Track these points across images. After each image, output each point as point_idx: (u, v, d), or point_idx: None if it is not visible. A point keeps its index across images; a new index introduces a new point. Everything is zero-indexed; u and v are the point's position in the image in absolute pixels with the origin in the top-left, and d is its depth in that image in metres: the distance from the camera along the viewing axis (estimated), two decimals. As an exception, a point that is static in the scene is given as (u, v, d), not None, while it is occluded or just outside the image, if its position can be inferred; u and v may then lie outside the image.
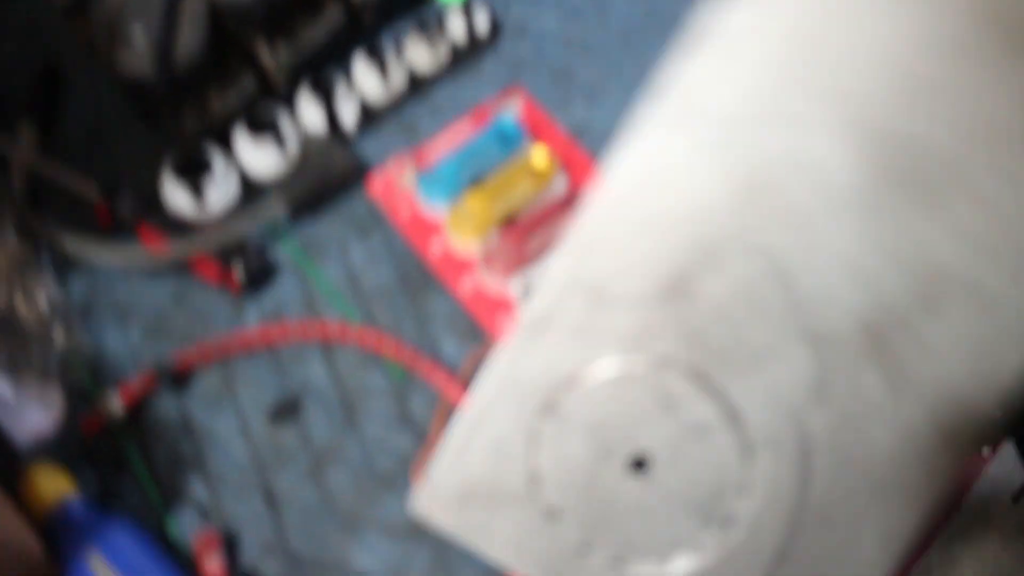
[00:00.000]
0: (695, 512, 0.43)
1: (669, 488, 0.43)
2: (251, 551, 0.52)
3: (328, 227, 0.61)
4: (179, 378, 0.57)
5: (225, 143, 0.62)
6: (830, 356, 0.41)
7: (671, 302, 0.42)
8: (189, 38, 0.60)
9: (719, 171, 0.42)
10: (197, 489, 0.54)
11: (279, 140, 0.61)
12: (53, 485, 0.52)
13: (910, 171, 0.41)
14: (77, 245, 0.59)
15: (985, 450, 0.47)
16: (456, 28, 0.65)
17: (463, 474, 0.44)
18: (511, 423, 0.44)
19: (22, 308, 0.57)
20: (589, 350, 0.43)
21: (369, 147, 0.63)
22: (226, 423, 0.56)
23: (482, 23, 0.66)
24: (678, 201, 0.42)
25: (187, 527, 0.53)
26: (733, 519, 0.43)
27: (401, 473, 0.55)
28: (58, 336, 0.56)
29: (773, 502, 0.42)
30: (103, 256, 0.59)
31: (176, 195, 0.61)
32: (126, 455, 0.55)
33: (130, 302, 0.59)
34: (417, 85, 0.65)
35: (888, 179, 0.41)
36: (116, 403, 0.55)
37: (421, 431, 0.56)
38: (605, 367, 0.43)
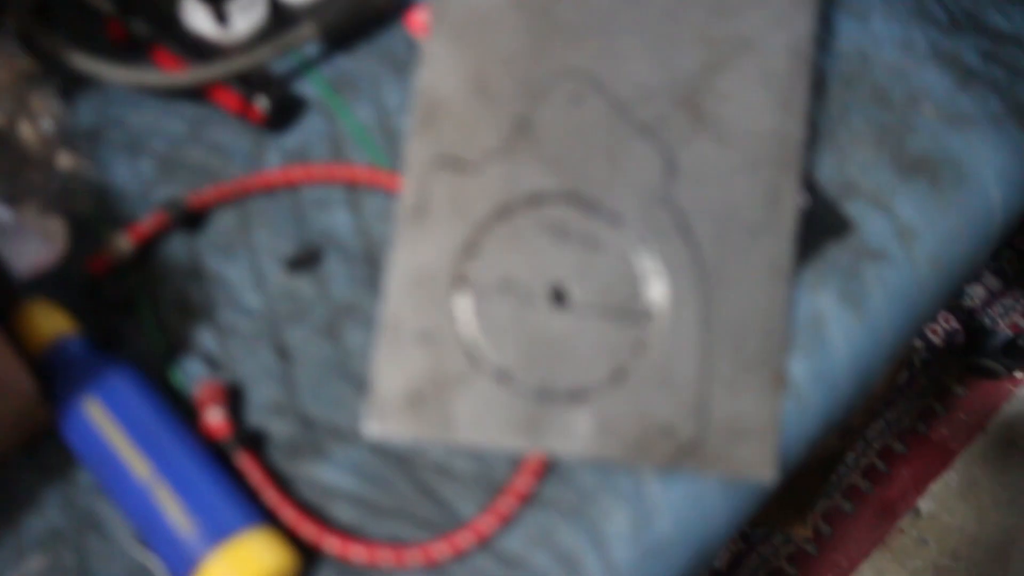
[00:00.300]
0: (620, 314, 0.47)
1: (590, 302, 0.47)
2: (258, 408, 0.49)
3: (361, 62, 0.55)
4: (192, 218, 0.52)
5: (252, -42, 0.56)
6: (665, 137, 0.49)
7: (520, 143, 0.49)
8: None
9: (521, 21, 0.50)
10: (205, 338, 0.50)
11: (311, -43, 0.55)
12: (51, 322, 0.48)
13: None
14: (86, 62, 0.54)
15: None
16: None
17: (404, 380, 0.46)
18: (430, 311, 0.47)
19: (25, 128, 0.53)
20: (471, 214, 0.48)
21: (412, -28, 0.57)
22: (240, 270, 0.51)
23: None
24: (495, 56, 0.49)
25: (191, 378, 0.49)
26: (650, 308, 0.47)
27: (425, 337, 0.50)
28: (62, 161, 0.52)
29: (678, 278, 0.47)
30: (114, 75, 0.53)
31: (197, 14, 0.55)
32: (132, 297, 0.51)
33: (142, 131, 0.55)
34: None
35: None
36: (124, 242, 0.51)
37: (450, 293, 0.51)
38: (496, 227, 0.48)
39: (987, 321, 1.43)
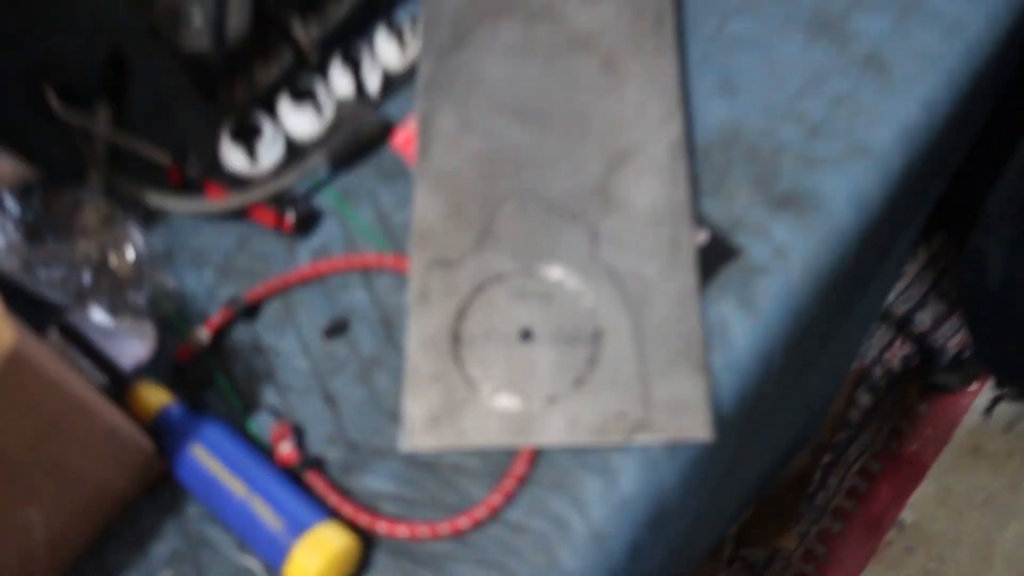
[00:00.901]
0: (574, 340, 0.65)
1: (551, 336, 0.66)
2: (316, 442, 0.65)
3: (361, 177, 0.74)
4: (250, 310, 0.70)
5: (271, 110, 0.75)
6: (587, 218, 0.69)
7: (486, 243, 0.69)
8: (237, 17, 0.73)
9: (477, 169, 0.72)
10: (269, 396, 0.67)
11: (317, 106, 0.74)
12: (155, 397, 0.65)
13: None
14: (156, 199, 0.72)
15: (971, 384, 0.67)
16: None
17: (425, 408, 0.64)
18: (437, 361, 0.66)
19: (114, 258, 0.71)
20: (459, 294, 0.67)
21: (392, 108, 0.76)
22: (289, 342, 0.69)
23: None
24: (462, 192, 0.71)
25: (264, 426, 0.66)
26: (596, 332, 0.65)
27: (435, 375, 0.67)
28: (147, 279, 0.70)
29: (613, 309, 0.66)
30: (179, 206, 0.72)
31: (233, 155, 0.74)
32: (212, 374, 0.68)
33: (202, 248, 0.73)
34: (431, 50, 0.77)
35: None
36: (203, 333, 0.68)
37: (449, 340, 0.68)
38: (476, 299, 0.67)
39: (937, 342, 1.60)
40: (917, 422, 1.58)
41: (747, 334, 0.65)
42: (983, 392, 1.58)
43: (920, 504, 1.53)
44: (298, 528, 0.59)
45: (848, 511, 1.54)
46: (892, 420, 1.59)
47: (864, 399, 1.58)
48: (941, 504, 1.53)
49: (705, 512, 0.76)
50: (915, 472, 1.55)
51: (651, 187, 0.69)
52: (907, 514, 1.53)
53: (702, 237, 0.68)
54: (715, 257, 0.67)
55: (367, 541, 0.61)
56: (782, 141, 0.71)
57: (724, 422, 0.64)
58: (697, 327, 0.64)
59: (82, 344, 0.67)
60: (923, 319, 1.63)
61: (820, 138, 0.71)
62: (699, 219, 0.69)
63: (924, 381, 1.58)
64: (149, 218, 0.73)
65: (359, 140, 0.74)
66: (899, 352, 1.61)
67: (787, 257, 0.67)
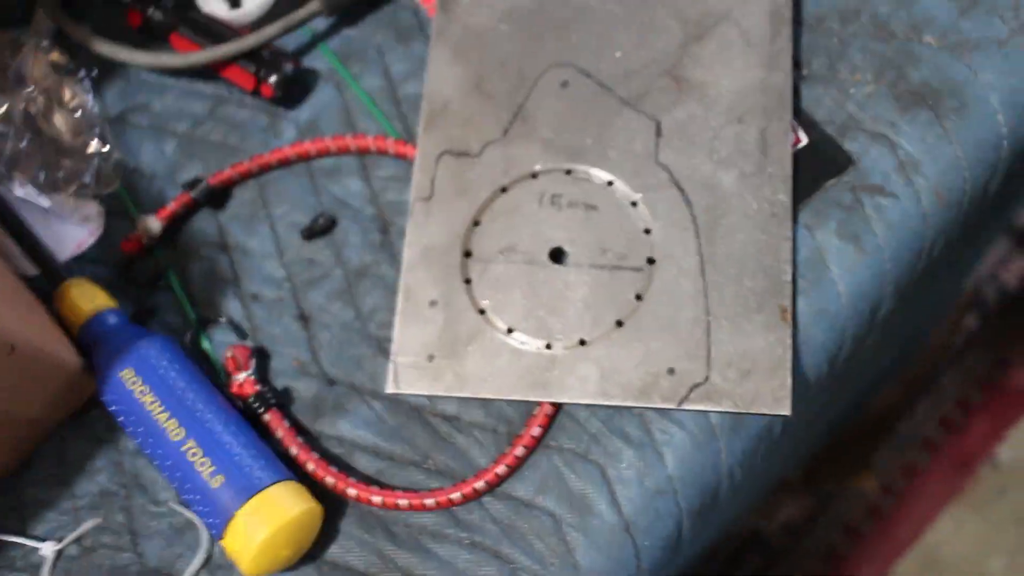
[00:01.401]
0: (618, 267, 0.50)
1: (589, 259, 0.50)
2: (282, 371, 0.52)
3: (367, 33, 0.59)
4: (215, 196, 0.56)
5: (258, -60, 0.59)
6: (652, 106, 0.53)
7: (518, 130, 0.53)
8: None
9: (511, 30, 0.55)
10: (231, 307, 0.54)
11: (313, -65, 0.58)
12: (89, 298, 0.53)
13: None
14: (111, 48, 0.58)
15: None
16: None
17: (418, 341, 0.50)
18: (440, 281, 0.51)
19: (58, 118, 0.57)
20: (476, 195, 0.52)
21: (413, -58, 0.59)
22: (260, 241, 0.55)
23: None
24: (490, 61, 0.55)
25: (221, 346, 0.53)
26: (647, 259, 0.50)
27: (439, 295, 0.53)
28: (93, 147, 0.56)
29: (672, 229, 0.50)
30: (135, 58, 0.58)
31: (209, -2, 0.59)
32: (163, 273, 0.55)
33: (165, 115, 0.59)
34: None
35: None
36: (153, 222, 0.55)
37: (461, 252, 0.54)
38: (497, 203, 0.52)
39: (1064, 260, 1.41)
40: (1028, 351, 1.40)
41: (850, 274, 0.49)
42: (1111, 323, 1.38)
43: (1020, 442, 1.37)
44: (245, 489, 0.46)
45: (936, 443, 1.38)
46: (999, 347, 1.41)
47: (971, 322, 1.40)
48: (1044, 444, 1.36)
49: (763, 484, 0.62)
50: (1018, 406, 1.38)
51: (739, 67, 0.52)
52: (1004, 452, 1.37)
53: (802, 139, 0.51)
54: (817, 167, 0.51)
55: (332, 504, 0.49)
56: (924, 14, 0.53)
57: (807, 388, 0.49)
58: (785, 261, 0.49)
59: (9, 223, 0.54)
60: (1049, 232, 1.42)
61: (977, 13, 0.53)
62: (799, 115, 0.52)
63: (1043, 306, 1.39)
64: (102, 72, 0.59)
65: (368, -16, 0.59)
66: (1018, 270, 1.41)
67: (914, 173, 0.50)
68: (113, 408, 0.50)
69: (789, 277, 0.49)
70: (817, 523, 1.36)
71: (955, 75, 0.52)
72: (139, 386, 0.49)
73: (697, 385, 0.47)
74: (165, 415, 0.48)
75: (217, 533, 0.47)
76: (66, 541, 0.51)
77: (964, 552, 1.34)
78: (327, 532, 0.49)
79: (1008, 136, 0.51)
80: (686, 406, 0.47)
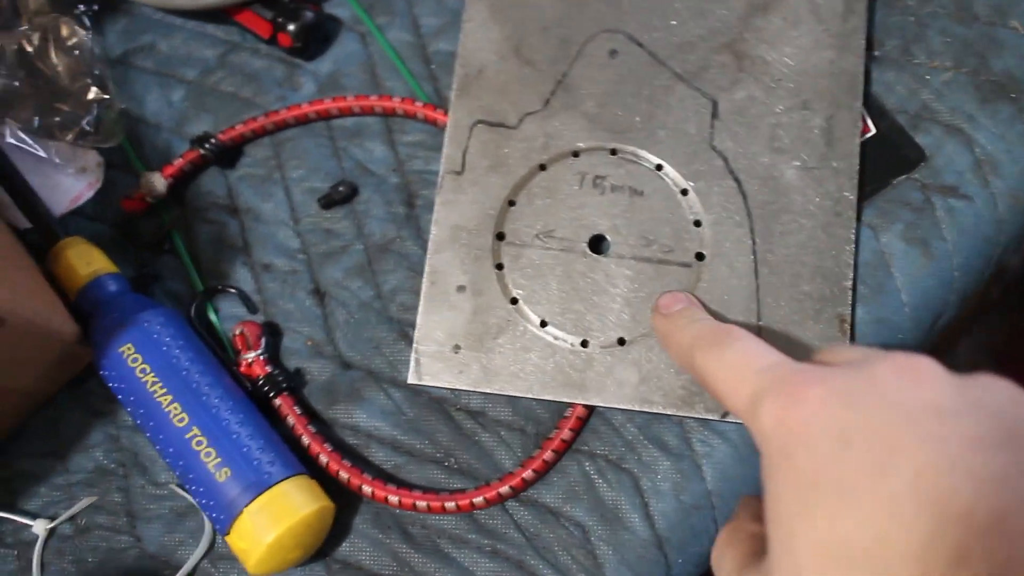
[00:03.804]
0: (664, 261, 0.47)
1: (633, 251, 0.47)
2: (295, 352, 0.49)
3: (398, -21, 0.54)
4: (225, 153, 0.52)
5: None
6: (709, 83, 0.49)
7: (559, 103, 0.49)
8: None
9: None
10: (241, 277, 0.51)
11: None
12: (88, 261, 0.49)
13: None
14: (112, -14, 0.54)
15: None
16: None
17: (443, 329, 0.47)
18: (469, 265, 0.47)
19: (55, 58, 0.53)
20: (512, 172, 0.48)
21: None
22: (274, 206, 0.52)
23: None
24: (531, 23, 0.51)
25: (228, 319, 0.50)
26: (696, 253, 0.47)
27: (466, 276, 0.50)
28: (92, 93, 0.52)
29: (725, 222, 0.47)
30: (140, -1, 0.53)
31: (223, -68, 0.54)
32: (168, 235, 0.52)
33: (172, 59, 0.55)
34: None
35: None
36: (158, 180, 0.51)
37: (491, 230, 0.51)
38: (534, 182, 0.48)
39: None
40: (1048, 323, 1.38)
41: (914, 279, 0.46)
42: None
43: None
44: (252, 483, 0.44)
45: (946, 412, 1.37)
46: (1016, 317, 1.38)
47: (994, 290, 1.38)
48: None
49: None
50: (1032, 379, 1.37)
51: (806, 46, 0.49)
52: (1015, 424, 1.36)
53: (870, 129, 0.48)
54: (885, 161, 0.48)
55: (345, 499, 0.46)
56: (1012, -5, 0.49)
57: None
58: (847, 266, 0.46)
59: (0, 170, 0.51)
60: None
61: (1071, -4, 0.49)
62: (869, 101, 0.48)
63: (1067, 277, 1.37)
64: (103, 8, 0.55)
65: (400, -76, 0.54)
66: (1044, 239, 1.39)
67: (992, 174, 0.47)
68: (112, 384, 0.48)
69: (850, 284, 0.46)
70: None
71: (1042, 65, 0.48)
72: (140, 364, 0.46)
73: (745, 397, 0.44)
74: (168, 398, 0.46)
75: (222, 529, 0.44)
76: (60, 519, 0.48)
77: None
78: (339, 529, 0.46)
79: (1094, 136, 0.48)
80: (730, 418, 0.44)
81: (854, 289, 0.46)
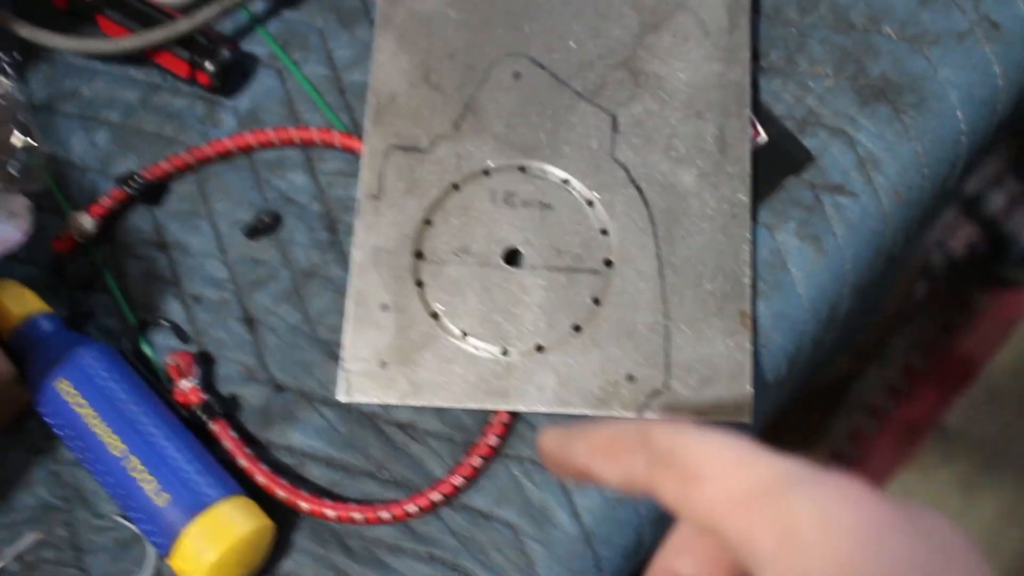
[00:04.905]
0: (574, 270, 0.50)
1: (544, 262, 0.50)
2: (228, 378, 0.52)
3: (309, 16, 0.57)
4: (151, 191, 0.55)
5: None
6: (608, 99, 0.52)
7: (467, 125, 0.53)
8: None
9: (460, 17, 0.54)
10: (172, 309, 0.53)
11: (251, -87, 0.56)
12: (20, 302, 0.51)
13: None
14: (31, 31, 0.56)
15: None
16: None
17: (370, 347, 0.50)
18: (390, 284, 0.50)
19: (-23, 109, 0.55)
20: (426, 194, 0.52)
21: (357, -80, 0.58)
22: (202, 239, 0.54)
23: None
24: (438, 51, 0.54)
25: (162, 350, 0.52)
26: (604, 261, 0.50)
27: (390, 296, 0.53)
28: (17, 139, 0.54)
29: (629, 230, 0.50)
30: (59, 42, 0.56)
31: (139, -21, 0.57)
32: (98, 273, 0.54)
33: (95, 102, 0.57)
34: None
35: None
36: (86, 220, 0.54)
37: (413, 250, 0.54)
38: (448, 202, 0.51)
39: (1010, 228, 1.44)
40: (973, 318, 1.44)
41: (810, 274, 0.50)
42: (1055, 290, 1.43)
43: (966, 409, 1.41)
44: (190, 506, 0.46)
45: (884, 410, 1.42)
46: (945, 314, 1.44)
47: (920, 289, 1.43)
48: (990, 410, 1.41)
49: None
50: (964, 373, 1.43)
51: (696, 60, 0.52)
52: (950, 419, 1.41)
53: (761, 135, 0.52)
54: (776, 164, 0.51)
55: (284, 517, 0.49)
56: (883, 4, 0.54)
57: (767, 390, 0.50)
58: (744, 264, 0.49)
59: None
60: (996, 200, 1.45)
61: (936, 4, 0.53)
62: (758, 109, 0.52)
63: (989, 272, 1.43)
64: (26, 56, 0.57)
65: (310, -36, 0.57)
66: (964, 237, 1.45)
67: (874, 172, 0.51)
68: (49, 420, 0.49)
69: (749, 280, 0.49)
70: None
71: (914, 68, 0.53)
72: (76, 398, 0.48)
73: (657, 392, 0.48)
74: (106, 429, 0.48)
75: (164, 552, 0.46)
76: (6, 558, 0.50)
77: (910, 519, 1.38)
78: (280, 546, 0.48)
79: (967, 132, 0.52)
80: (646, 415, 0.48)
81: (754, 285, 0.49)
